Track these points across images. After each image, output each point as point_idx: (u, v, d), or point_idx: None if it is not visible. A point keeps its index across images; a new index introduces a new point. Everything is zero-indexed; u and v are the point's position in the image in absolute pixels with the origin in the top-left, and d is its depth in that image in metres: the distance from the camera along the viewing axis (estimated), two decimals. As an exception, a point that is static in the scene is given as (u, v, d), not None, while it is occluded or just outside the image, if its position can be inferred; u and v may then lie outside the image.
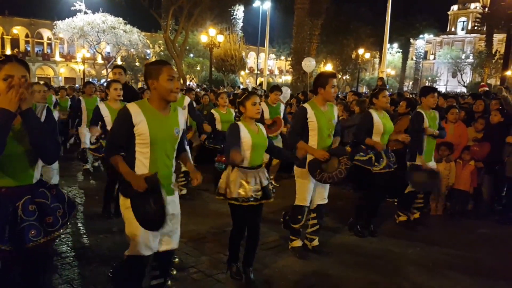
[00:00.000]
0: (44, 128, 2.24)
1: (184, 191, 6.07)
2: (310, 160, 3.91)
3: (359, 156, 4.73)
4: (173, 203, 2.77)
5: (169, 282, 3.10)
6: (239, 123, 3.47)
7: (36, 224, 2.21)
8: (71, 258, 3.97)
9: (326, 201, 4.26)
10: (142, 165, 2.59)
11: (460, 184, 5.69)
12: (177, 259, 3.83)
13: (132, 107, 2.56)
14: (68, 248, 4.22)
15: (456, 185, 5.71)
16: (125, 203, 2.61)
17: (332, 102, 4.11)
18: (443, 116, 5.95)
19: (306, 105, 4.01)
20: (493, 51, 44.16)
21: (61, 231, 2.34)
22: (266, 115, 6.45)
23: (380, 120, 4.68)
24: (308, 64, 14.60)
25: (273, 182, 7.25)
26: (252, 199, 3.37)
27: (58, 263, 3.82)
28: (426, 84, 55.73)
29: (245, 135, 3.38)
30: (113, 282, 3.03)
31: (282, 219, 4.44)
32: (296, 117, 4.08)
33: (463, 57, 58.11)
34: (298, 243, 4.27)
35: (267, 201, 3.49)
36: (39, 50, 46.12)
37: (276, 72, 60.02)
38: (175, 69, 2.64)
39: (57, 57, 45.90)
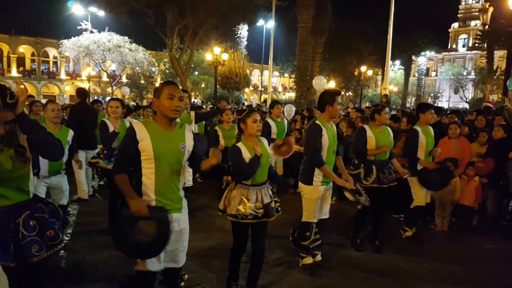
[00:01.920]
0: (41, 126, 2.34)
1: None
2: (350, 192, 4.07)
3: (349, 170, 4.79)
4: (180, 220, 2.79)
5: None
6: (239, 145, 3.46)
7: (37, 239, 2.24)
8: (77, 276, 3.97)
9: (327, 216, 4.29)
10: (148, 181, 2.64)
11: (465, 199, 5.72)
12: (186, 276, 3.85)
13: (137, 125, 2.67)
14: (73, 268, 4.19)
15: (461, 200, 5.74)
16: None
17: (336, 119, 4.19)
18: (446, 132, 6.02)
19: (318, 122, 4.03)
20: (494, 67, 44.33)
21: (62, 244, 2.40)
22: (274, 129, 6.54)
23: (374, 137, 4.76)
24: (319, 82, 14.82)
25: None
26: (250, 216, 3.34)
27: (61, 283, 3.80)
28: (429, 100, 55.99)
29: (246, 156, 3.39)
30: None
31: (290, 237, 4.45)
32: (314, 135, 4.00)
33: (464, 73, 58.40)
34: (309, 260, 4.26)
35: (268, 219, 3.46)
36: (45, 69, 46.66)
37: (280, 89, 60.37)
38: (180, 90, 2.73)
39: (63, 75, 46.42)
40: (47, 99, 11.46)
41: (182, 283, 3.56)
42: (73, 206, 6.45)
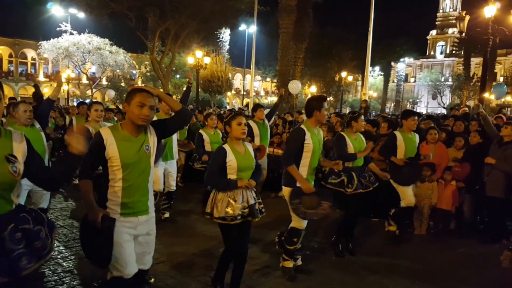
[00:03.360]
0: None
1: (167, 215, 6.02)
2: (294, 189, 3.98)
3: (332, 179, 4.84)
4: (147, 223, 2.79)
5: None
6: (226, 146, 3.48)
7: (25, 251, 2.15)
8: (53, 283, 3.89)
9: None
10: (115, 184, 2.62)
11: (442, 203, 5.82)
12: (152, 279, 3.81)
13: (104, 131, 2.64)
14: (50, 272, 4.13)
15: (439, 204, 5.84)
16: None
17: (323, 123, 4.22)
18: (424, 137, 6.14)
19: (303, 127, 4.06)
20: (471, 74, 45.54)
21: (51, 253, 2.31)
22: (256, 131, 6.65)
23: (352, 144, 4.83)
24: (295, 86, 14.88)
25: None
26: (239, 217, 3.38)
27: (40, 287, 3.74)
28: (408, 106, 57.01)
29: (231, 158, 3.41)
30: None
31: (277, 238, 4.45)
32: (294, 139, 4.06)
33: (442, 79, 59.74)
34: (289, 264, 4.27)
35: (253, 219, 3.50)
36: (23, 70, 45.66)
37: (262, 93, 60.53)
38: (153, 99, 2.69)
39: (41, 77, 45.49)
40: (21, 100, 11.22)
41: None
42: (50, 211, 6.29)
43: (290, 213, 4.14)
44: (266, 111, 7.62)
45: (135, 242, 2.74)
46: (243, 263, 3.61)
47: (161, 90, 24.24)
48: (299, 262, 4.39)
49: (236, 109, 20.02)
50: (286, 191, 4.14)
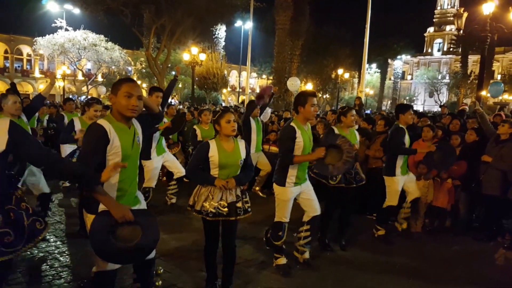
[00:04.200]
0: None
1: (174, 200, 6.13)
2: (315, 165, 3.99)
3: (316, 169, 4.80)
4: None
5: None
6: (211, 141, 3.44)
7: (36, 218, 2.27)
8: (50, 277, 3.89)
9: (319, 212, 4.28)
10: (112, 179, 2.55)
11: (438, 201, 5.82)
12: (161, 270, 3.80)
13: (105, 123, 2.53)
14: (47, 267, 4.13)
15: (434, 202, 5.83)
16: (89, 219, 2.56)
17: (312, 120, 4.18)
18: (420, 134, 6.13)
19: (292, 124, 4.02)
20: (468, 71, 45.61)
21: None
22: (253, 126, 6.91)
23: None
24: (293, 83, 14.87)
25: (260, 194, 7.37)
26: (211, 214, 3.34)
27: (37, 282, 3.74)
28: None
29: (213, 154, 3.36)
30: None
31: (264, 238, 4.45)
32: (286, 137, 3.99)
33: (439, 77, 59.84)
34: (282, 260, 4.26)
35: (235, 218, 3.41)
36: (18, 66, 45.47)
37: (258, 90, 60.49)
38: (139, 89, 2.64)
39: (37, 74, 45.31)
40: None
41: (160, 282, 3.45)
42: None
43: (276, 207, 4.16)
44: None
45: None
46: (232, 261, 3.59)
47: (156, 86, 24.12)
48: (307, 255, 4.39)
49: (232, 106, 19.97)
50: (277, 189, 4.13)
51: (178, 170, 6.22)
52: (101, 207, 2.52)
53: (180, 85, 37.95)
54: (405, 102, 58.26)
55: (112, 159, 2.52)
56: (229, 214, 3.38)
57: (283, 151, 4.01)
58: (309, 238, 4.34)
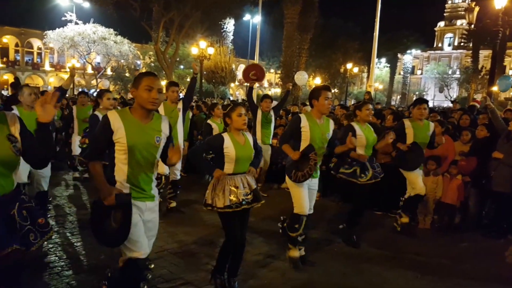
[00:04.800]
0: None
1: (174, 204, 6.00)
2: (287, 163, 4.06)
3: (344, 169, 4.82)
4: (151, 211, 2.83)
5: (145, 287, 3.11)
6: (225, 135, 3.45)
7: (32, 228, 2.28)
8: (59, 268, 3.93)
9: (312, 211, 4.28)
10: (120, 171, 2.66)
11: (447, 197, 5.77)
12: (153, 265, 3.80)
13: (111, 114, 2.64)
14: (57, 258, 4.18)
15: (443, 198, 5.79)
16: None
17: (326, 114, 4.16)
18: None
19: (301, 115, 4.12)
20: (479, 66, 44.93)
21: (52, 230, 2.43)
22: (259, 118, 6.94)
23: (363, 133, 4.78)
24: (301, 77, 14.77)
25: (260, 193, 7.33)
26: (244, 202, 3.37)
27: (47, 273, 3.78)
28: (414, 99, 56.59)
29: (229, 147, 3.38)
30: None
31: (279, 224, 4.43)
32: (290, 124, 4.20)
33: (449, 72, 59.15)
34: (295, 252, 4.25)
35: (258, 204, 3.48)
36: (29, 60, 45.75)
37: (266, 84, 60.34)
38: (159, 82, 2.72)
39: (47, 67, 45.59)
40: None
41: (149, 276, 3.45)
42: (56, 198, 6.39)
43: (292, 200, 4.16)
44: (274, 103, 7.74)
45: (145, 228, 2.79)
46: (242, 251, 3.60)
47: (166, 80, 24.25)
48: (302, 252, 4.38)
49: (240, 100, 19.96)
50: (289, 181, 4.14)
51: (174, 174, 5.98)
52: None
53: (188, 79, 38.00)
54: (414, 97, 57.93)
55: (118, 150, 2.63)
56: (255, 199, 3.45)
57: (282, 136, 4.21)
58: (303, 236, 4.27)
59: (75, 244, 4.63)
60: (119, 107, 9.31)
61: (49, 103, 2.26)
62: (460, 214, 5.98)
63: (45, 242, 4.45)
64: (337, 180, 5.08)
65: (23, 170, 4.74)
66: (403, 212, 5.44)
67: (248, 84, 7.32)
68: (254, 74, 6.93)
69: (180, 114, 5.71)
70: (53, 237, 4.62)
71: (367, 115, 4.87)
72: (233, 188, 3.37)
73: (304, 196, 4.11)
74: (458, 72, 57.30)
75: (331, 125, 4.24)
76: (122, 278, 2.81)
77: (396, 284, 4.03)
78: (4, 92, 24.88)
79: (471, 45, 47.87)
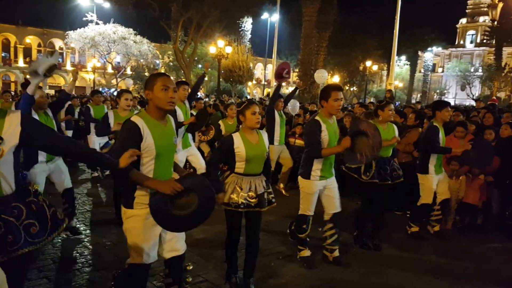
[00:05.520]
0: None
1: None
2: (344, 157, 3.97)
3: (349, 164, 4.71)
4: None
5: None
6: (235, 134, 3.43)
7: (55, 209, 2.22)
8: (80, 265, 4.00)
9: (339, 210, 4.24)
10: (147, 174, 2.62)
11: (469, 197, 5.64)
12: (191, 267, 3.82)
13: (138, 120, 2.55)
14: (77, 254, 4.26)
15: (465, 198, 5.66)
16: (126, 213, 2.66)
17: (335, 115, 4.11)
18: (452, 129, 5.95)
19: (317, 118, 3.98)
20: (502, 64, 43.86)
21: (24, 249, 2.11)
22: (277, 119, 6.92)
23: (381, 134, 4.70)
24: (321, 75, 14.65)
25: (283, 192, 7.32)
26: (242, 205, 3.34)
27: (67, 270, 3.86)
28: (435, 97, 55.60)
29: (239, 146, 3.35)
30: None
31: (288, 230, 4.46)
32: (313, 131, 3.93)
33: (472, 70, 57.94)
34: (306, 252, 4.26)
35: (260, 209, 3.43)
36: (51, 60, 46.71)
37: (283, 83, 60.25)
38: (172, 81, 2.67)
39: (68, 66, 46.49)
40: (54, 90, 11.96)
41: (190, 278, 3.46)
42: (77, 196, 6.46)
43: (300, 200, 4.17)
44: None
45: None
46: (255, 253, 3.59)
47: (184, 79, 24.41)
48: (337, 253, 4.33)
49: (257, 99, 19.94)
50: (302, 181, 4.14)
51: (201, 166, 6.17)
52: (137, 200, 2.58)
53: (206, 78, 38.14)
54: (435, 96, 57.03)
55: (145, 157, 2.56)
56: (258, 205, 3.39)
57: (311, 144, 3.95)
58: (335, 236, 4.29)
59: (95, 241, 4.70)
60: (138, 106, 9.46)
61: None
62: (482, 215, 5.85)
63: (66, 239, 4.56)
64: (354, 180, 5.01)
65: (68, 176, 4.84)
66: (412, 222, 5.35)
67: (276, 83, 7.29)
68: (287, 73, 6.92)
69: (189, 113, 5.83)
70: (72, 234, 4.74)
71: (390, 115, 4.79)
72: (237, 188, 3.36)
73: (314, 199, 4.12)
74: (480, 70, 56.09)
75: (336, 123, 4.19)
76: (125, 280, 2.82)
77: (415, 286, 3.96)
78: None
79: (494, 42, 46.78)
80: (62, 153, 2.39)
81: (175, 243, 2.85)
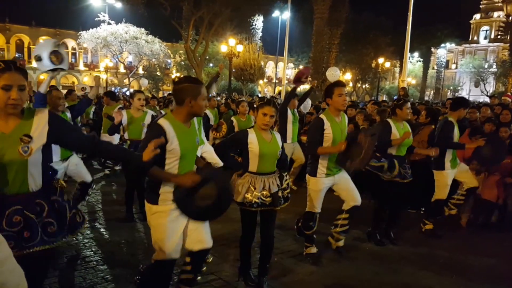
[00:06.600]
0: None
1: None
2: (336, 158, 3.97)
3: (372, 162, 4.70)
4: None
5: (199, 278, 3.09)
6: (250, 129, 3.44)
7: (15, 236, 2.10)
8: (94, 263, 4.04)
9: (359, 203, 4.22)
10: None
11: (485, 193, 5.56)
12: (211, 259, 3.83)
13: (164, 123, 2.62)
14: (92, 252, 4.30)
15: (482, 194, 5.58)
16: (150, 210, 2.72)
17: (342, 110, 4.10)
18: (467, 126, 5.87)
19: (322, 116, 4.02)
20: (517, 60, 43.12)
21: (39, 247, 2.13)
22: (290, 117, 6.86)
23: (397, 132, 4.69)
24: (333, 73, 14.55)
25: (291, 185, 7.29)
26: (255, 205, 3.35)
27: (82, 267, 3.91)
28: (448, 94, 54.90)
29: (253, 142, 3.35)
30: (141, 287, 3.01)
31: (295, 226, 4.45)
32: (314, 128, 4.03)
33: (486, 66, 57.03)
34: (312, 249, 4.28)
35: (274, 208, 3.44)
36: (64, 60, 47.27)
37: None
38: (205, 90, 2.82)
39: (81, 66, 47.05)
40: (67, 90, 12.11)
41: (205, 268, 3.45)
42: (91, 195, 6.52)
43: (308, 198, 4.19)
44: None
45: (190, 223, 2.81)
46: (269, 251, 3.60)
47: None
48: (341, 243, 4.37)
49: (268, 97, 19.90)
50: (309, 179, 4.17)
51: (216, 161, 6.24)
52: (161, 197, 2.65)
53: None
54: (449, 92, 56.26)
55: (169, 158, 2.64)
56: (272, 203, 3.40)
57: (309, 141, 4.07)
58: (347, 227, 4.29)
59: (109, 239, 4.75)
60: (157, 107, 9.57)
61: None
62: (498, 213, 5.76)
63: (81, 237, 4.62)
64: (367, 179, 4.98)
65: (84, 169, 4.92)
66: (426, 219, 5.31)
67: (294, 85, 7.33)
68: (306, 77, 6.93)
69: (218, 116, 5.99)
70: (87, 232, 4.80)
71: (408, 114, 4.79)
72: (251, 187, 3.37)
73: (321, 196, 4.13)
74: (494, 66, 55.20)
75: (346, 120, 4.19)
76: (150, 275, 2.85)
77: (429, 284, 3.92)
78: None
79: (508, 37, 45.96)
80: (90, 150, 2.41)
81: (200, 234, 2.86)
